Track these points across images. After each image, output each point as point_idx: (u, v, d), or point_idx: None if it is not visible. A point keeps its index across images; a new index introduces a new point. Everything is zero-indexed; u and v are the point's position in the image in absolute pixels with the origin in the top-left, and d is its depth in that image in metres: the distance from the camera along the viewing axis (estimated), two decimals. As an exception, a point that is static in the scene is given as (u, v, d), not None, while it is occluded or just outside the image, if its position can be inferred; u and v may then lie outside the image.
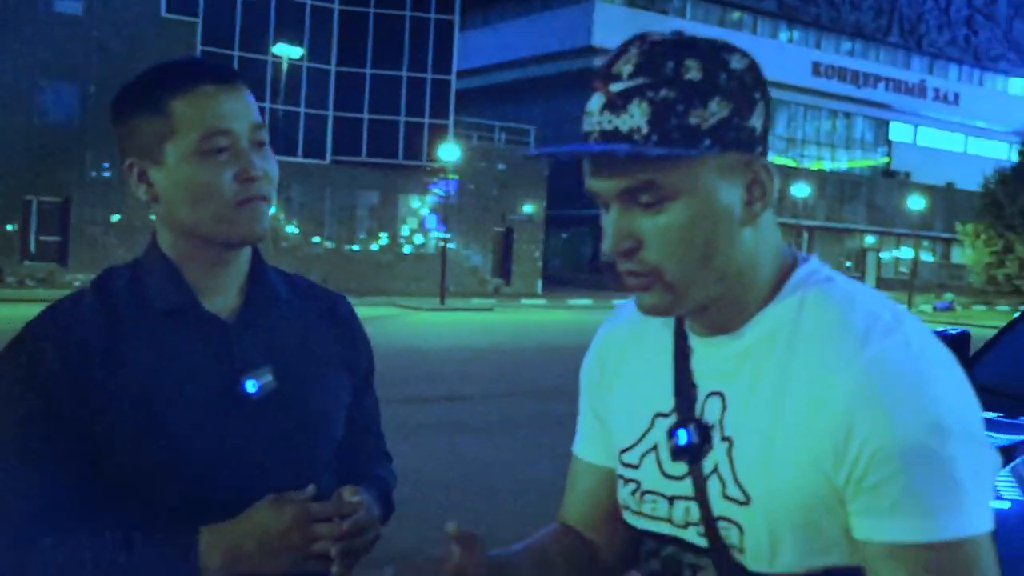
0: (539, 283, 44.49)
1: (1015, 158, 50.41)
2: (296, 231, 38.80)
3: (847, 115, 62.08)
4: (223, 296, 1.62)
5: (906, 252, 56.29)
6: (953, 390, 1.18)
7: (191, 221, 1.55)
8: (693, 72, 1.19)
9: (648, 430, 1.36)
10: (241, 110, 1.55)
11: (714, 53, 1.21)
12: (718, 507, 1.26)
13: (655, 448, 1.34)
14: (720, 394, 1.28)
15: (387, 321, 25.60)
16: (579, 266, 54.48)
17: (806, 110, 60.77)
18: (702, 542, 1.29)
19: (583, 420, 1.53)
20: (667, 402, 1.34)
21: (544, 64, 54.31)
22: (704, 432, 1.28)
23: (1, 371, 1.52)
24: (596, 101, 1.22)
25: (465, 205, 40.96)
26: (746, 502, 1.23)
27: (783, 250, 1.31)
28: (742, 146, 1.22)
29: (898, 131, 63.95)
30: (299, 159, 38.10)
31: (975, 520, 1.16)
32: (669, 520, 1.33)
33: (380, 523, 1.61)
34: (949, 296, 48.29)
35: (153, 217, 1.64)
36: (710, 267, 1.23)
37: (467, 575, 1.26)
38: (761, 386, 1.24)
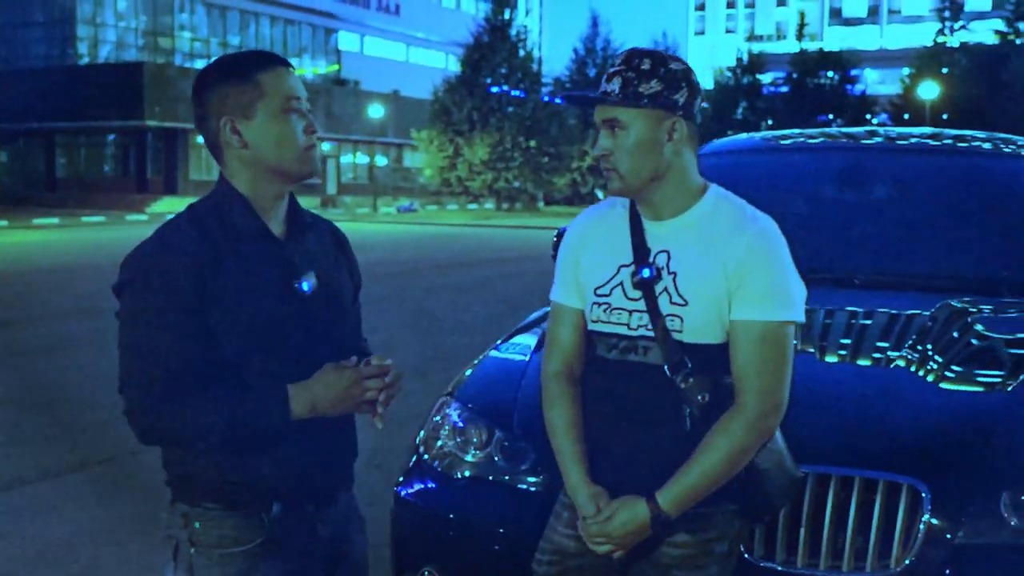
0: (-6, 204, 41.07)
1: (453, 67, 54.37)
2: None
3: (293, 23, 62.92)
4: (276, 221, 2.24)
5: (362, 158, 58.86)
6: (788, 253, 2.29)
7: (275, 160, 2.16)
8: (646, 65, 2.27)
9: (615, 274, 2.34)
10: (300, 86, 2.21)
11: (663, 59, 2.28)
12: (667, 309, 2.26)
13: (621, 284, 2.33)
14: (666, 251, 2.30)
15: None
16: (33, 184, 50.82)
17: (256, 17, 60.83)
18: (650, 334, 2.27)
19: (563, 279, 2.46)
20: (628, 257, 2.33)
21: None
22: (658, 270, 2.29)
23: (140, 281, 2.08)
24: (604, 79, 2.32)
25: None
26: (685, 304, 2.26)
27: (700, 178, 2.38)
28: (667, 108, 2.27)
29: (345, 40, 66.14)
30: None
31: (793, 314, 2.26)
32: (627, 325, 2.31)
33: None
34: (408, 200, 51.70)
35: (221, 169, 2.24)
36: (643, 168, 2.27)
37: None
38: (695, 244, 2.28)
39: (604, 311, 2.34)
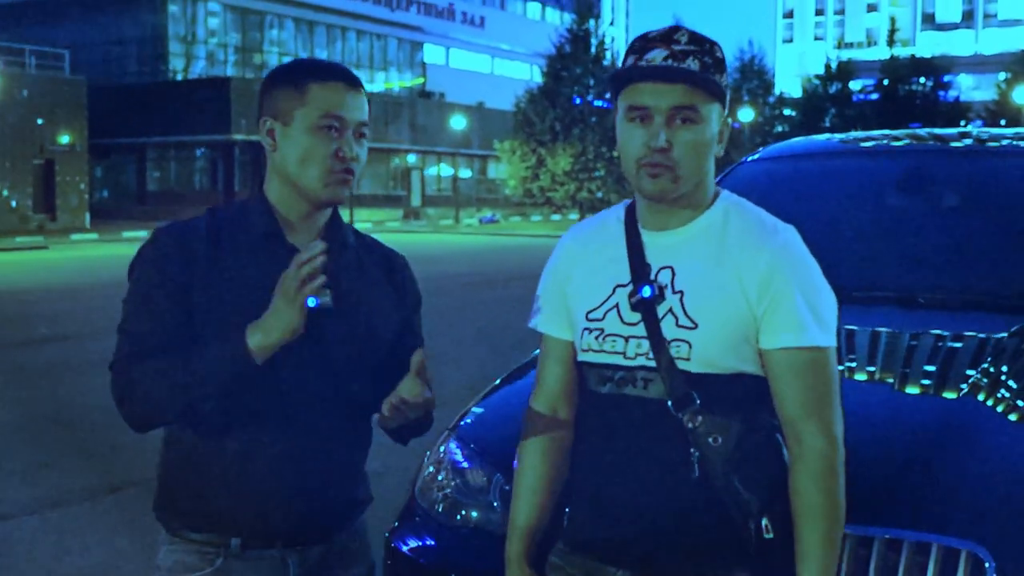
0: (87, 216, 42.07)
1: (538, 78, 54.28)
2: None
3: (380, 37, 63.60)
4: (305, 235, 2.12)
5: (446, 170, 59.12)
6: (818, 267, 1.99)
7: (295, 173, 2.07)
8: (718, 54, 1.98)
9: (610, 296, 2.03)
10: (356, 108, 2.09)
11: (720, 47, 2.01)
12: (672, 333, 1.95)
13: (616, 306, 2.02)
14: (670, 267, 2.00)
15: (-70, 267, 23.27)
16: (125, 197, 52.05)
17: (343, 32, 61.57)
18: (651, 363, 1.95)
19: (547, 306, 2.16)
20: (625, 276, 2.02)
21: (70, -18, 50.78)
22: (661, 289, 1.98)
23: (142, 257, 2.08)
24: (657, 53, 1.95)
25: (-4, 136, 37.65)
26: (695, 327, 1.94)
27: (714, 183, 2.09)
28: (725, 105, 2.02)
29: (431, 53, 66.62)
30: None
31: (830, 338, 1.95)
32: (623, 353, 1.99)
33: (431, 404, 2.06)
34: (491, 212, 51.72)
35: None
36: (699, 173, 1.98)
37: None
38: (705, 257, 1.98)
39: (597, 338, 2.02)
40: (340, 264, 2.10)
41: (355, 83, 2.10)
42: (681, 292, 1.96)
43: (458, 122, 53.42)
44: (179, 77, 52.69)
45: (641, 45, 1.96)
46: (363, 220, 49.13)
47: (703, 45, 1.95)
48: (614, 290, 2.02)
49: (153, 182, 52.65)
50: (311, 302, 1.93)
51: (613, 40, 55.43)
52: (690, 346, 1.92)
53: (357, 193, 52.11)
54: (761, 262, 1.93)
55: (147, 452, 6.55)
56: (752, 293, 1.92)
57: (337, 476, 2.14)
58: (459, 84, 64.94)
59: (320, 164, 2.04)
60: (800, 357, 1.91)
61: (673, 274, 1.98)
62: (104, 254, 27.87)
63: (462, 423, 3.03)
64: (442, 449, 2.93)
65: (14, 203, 38.96)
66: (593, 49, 51.17)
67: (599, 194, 49.26)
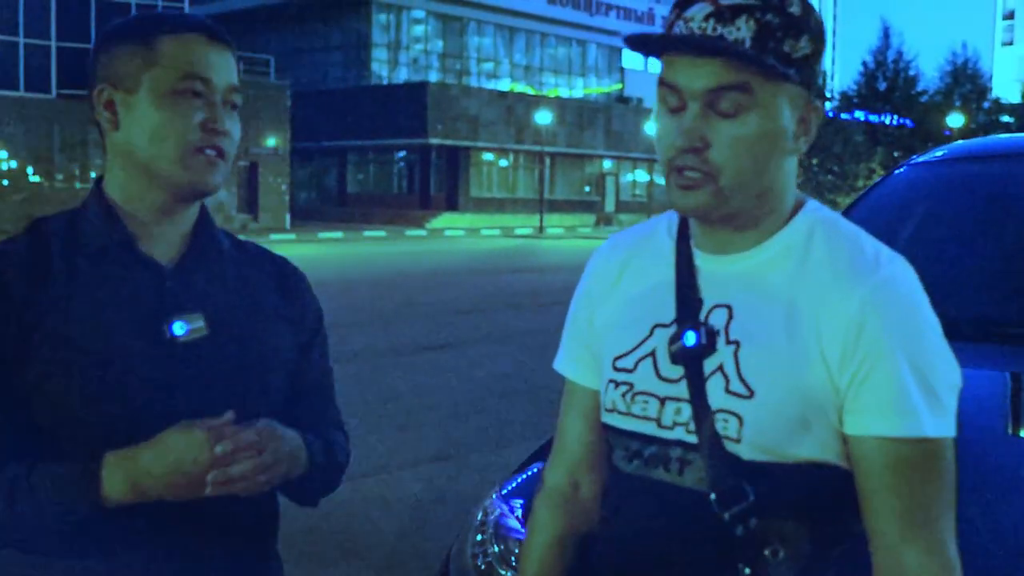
0: (287, 217, 43.60)
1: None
2: (20, 168, 36.27)
3: (581, 43, 63.54)
4: (165, 243, 1.64)
5: (642, 175, 58.55)
6: (935, 318, 1.41)
7: (147, 156, 1.58)
8: (795, 7, 1.38)
9: (647, 338, 1.49)
10: (224, 67, 1.61)
11: (810, 3, 1.40)
12: (718, 401, 1.40)
13: (652, 353, 1.48)
14: (726, 306, 1.44)
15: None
16: (326, 199, 53.79)
17: (542, 38, 61.79)
18: (691, 439, 1.42)
19: (572, 343, 1.66)
20: (668, 314, 1.48)
21: (280, -9, 52.80)
22: (711, 336, 1.42)
23: None
24: (700, 9, 1.37)
25: (206, 139, 39.37)
26: (749, 395, 1.38)
27: (796, 188, 1.50)
28: (809, 84, 1.42)
29: (630, 58, 66.10)
30: (17, 92, 35.54)
31: (946, 424, 1.36)
32: (656, 420, 1.45)
33: (314, 467, 1.65)
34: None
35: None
36: (758, 180, 1.41)
37: None
38: (773, 296, 1.42)
39: (624, 395, 1.50)
40: (215, 278, 1.66)
41: (219, 36, 1.62)
42: (736, 343, 1.41)
43: (652, 128, 52.69)
44: (383, 83, 53.95)
45: None
46: (554, 225, 49.27)
47: None
48: (652, 331, 1.49)
49: (353, 184, 54.11)
50: (178, 329, 1.55)
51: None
52: (741, 422, 1.38)
53: (550, 197, 52.59)
54: (850, 308, 1.36)
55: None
56: (834, 353, 1.36)
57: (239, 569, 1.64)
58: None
59: (180, 140, 1.56)
60: (901, 451, 1.35)
61: (730, 316, 1.43)
62: (296, 253, 28.50)
63: (506, 484, 2.52)
64: (482, 513, 2.46)
65: (221, 203, 40.72)
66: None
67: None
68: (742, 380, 1.39)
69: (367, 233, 40.47)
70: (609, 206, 56.20)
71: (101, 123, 1.61)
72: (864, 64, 55.78)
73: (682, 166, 1.39)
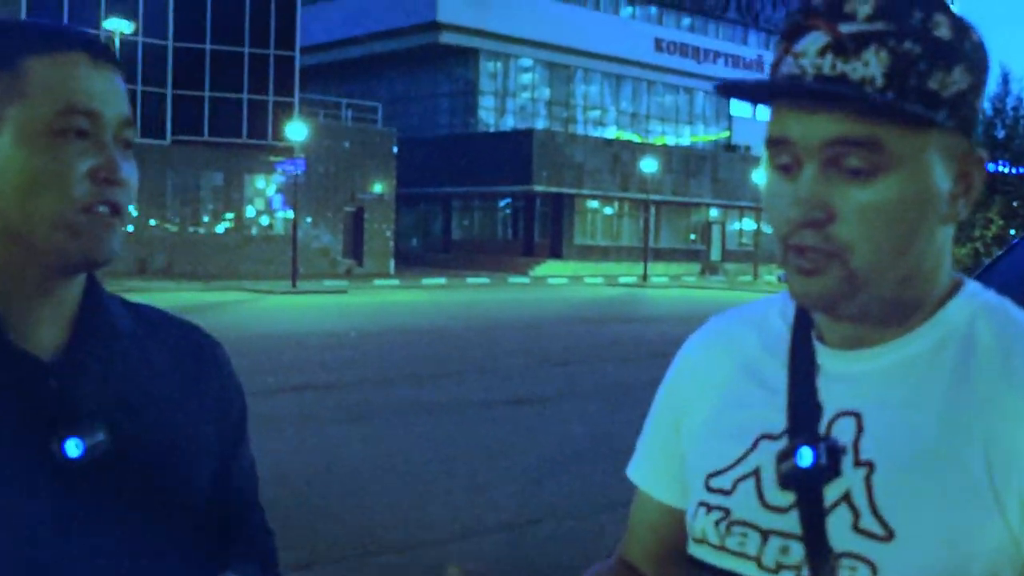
0: (391, 263, 44.01)
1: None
2: (135, 214, 37.32)
3: (688, 90, 63.29)
4: (45, 329, 1.24)
5: (749, 224, 57.76)
6: None
7: (18, 219, 1.18)
8: (943, 29, 1.04)
9: (749, 452, 1.16)
10: (113, 96, 1.23)
11: (964, 23, 1.07)
12: (843, 542, 1.06)
13: (756, 473, 1.15)
14: (855, 414, 1.10)
15: (237, 306, 24.76)
16: (430, 245, 54.22)
17: (649, 85, 61.69)
18: None
19: (652, 446, 1.34)
20: (779, 423, 1.15)
21: (389, 40, 53.68)
22: (834, 454, 1.08)
23: None
24: (813, 40, 1.05)
25: (313, 184, 40.13)
26: (887, 537, 1.05)
27: (952, 265, 1.16)
28: (967, 129, 1.07)
29: (738, 106, 65.57)
30: (137, 140, 36.57)
31: None
32: (757, 560, 1.13)
33: None
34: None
35: None
36: (902, 260, 1.07)
37: None
38: (921, 404, 1.08)
39: (718, 524, 1.17)
40: (112, 368, 1.28)
41: (105, 54, 1.24)
42: (869, 465, 1.08)
43: (759, 176, 52.11)
44: (490, 130, 54.36)
45: (794, 25, 1.08)
46: (659, 274, 48.78)
47: (904, 18, 1.03)
48: (757, 443, 1.17)
49: (457, 230, 54.45)
50: (72, 449, 1.17)
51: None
52: (875, 572, 1.05)
53: (654, 246, 52.26)
54: None
55: (350, 530, 6.30)
56: (1011, 488, 1.03)
57: None
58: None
59: (62, 196, 1.18)
60: None
61: (860, 428, 1.10)
62: (398, 299, 28.78)
63: (624, 544, 2.19)
64: None
65: (326, 247, 41.30)
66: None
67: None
68: (877, 516, 1.06)
69: (470, 280, 40.56)
70: (715, 255, 55.55)
71: None
72: (982, 112, 54.37)
73: (800, 245, 1.06)
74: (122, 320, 1.33)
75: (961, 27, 1.06)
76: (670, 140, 60.96)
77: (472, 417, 10.58)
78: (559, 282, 43.00)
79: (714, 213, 56.49)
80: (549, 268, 47.58)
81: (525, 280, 43.16)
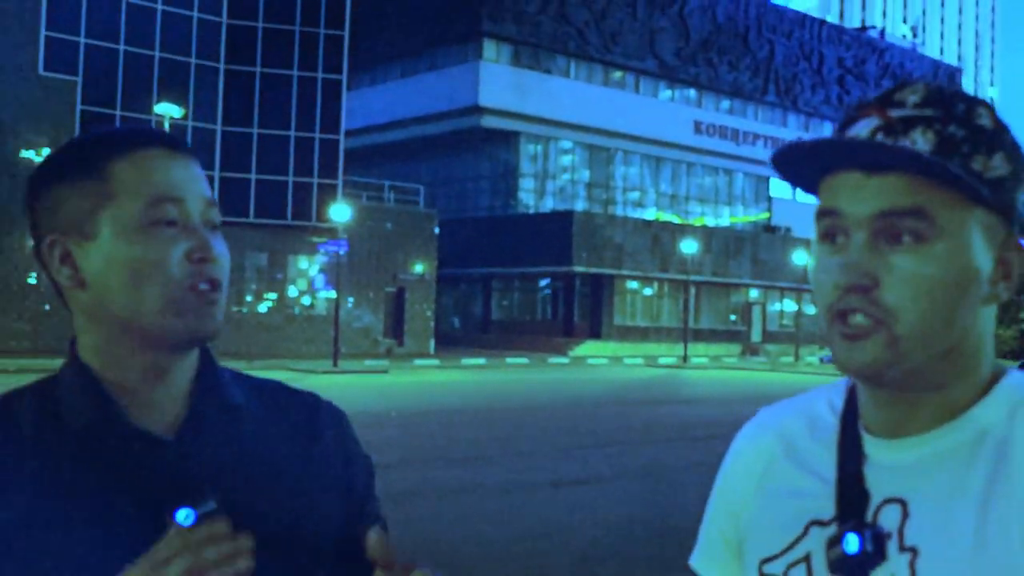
0: (431, 343, 44.16)
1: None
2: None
3: (728, 172, 63.60)
4: (161, 408, 1.32)
5: (789, 305, 57.50)
6: None
7: (128, 311, 1.27)
8: (985, 119, 1.13)
9: (800, 538, 1.21)
10: (193, 182, 1.32)
11: (1002, 119, 1.16)
12: None
13: (807, 558, 1.20)
14: (901, 501, 1.15)
15: (280, 386, 24.93)
16: (470, 325, 54.37)
17: (688, 167, 62.04)
18: None
19: (710, 536, 1.38)
20: (828, 510, 1.20)
21: (432, 123, 54.54)
22: (880, 541, 1.13)
23: None
24: (866, 124, 1.13)
25: (355, 265, 40.56)
26: None
27: (993, 356, 1.20)
28: (1008, 216, 1.13)
29: (777, 187, 65.67)
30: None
31: None
32: None
33: None
34: (833, 348, 49.45)
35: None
36: (944, 333, 1.11)
37: None
38: (962, 492, 1.12)
39: None
40: (228, 440, 1.35)
41: (180, 146, 1.35)
42: (913, 551, 1.14)
43: (802, 257, 52.01)
44: (530, 211, 54.78)
45: (848, 117, 1.17)
46: (699, 354, 48.60)
47: (949, 107, 1.12)
48: (807, 530, 1.22)
49: (497, 311, 54.63)
50: (184, 518, 1.20)
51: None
52: None
53: (695, 326, 52.12)
54: None
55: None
56: None
57: None
58: (805, 218, 63.18)
59: (165, 281, 1.27)
60: None
61: (904, 515, 1.15)
62: (439, 379, 28.85)
63: None
64: None
65: (367, 328, 41.57)
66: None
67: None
68: None
69: (510, 360, 40.57)
70: (755, 336, 55.28)
71: (60, 282, 1.30)
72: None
73: (846, 309, 1.11)
74: (236, 394, 1.40)
75: (1001, 122, 1.14)
76: (709, 221, 61.11)
77: (518, 501, 10.60)
78: (599, 363, 42.92)
79: (754, 294, 56.35)
80: (589, 348, 47.55)
81: (565, 360, 43.14)
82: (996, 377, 1.18)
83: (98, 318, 1.30)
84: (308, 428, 1.45)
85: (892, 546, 1.14)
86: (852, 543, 1.14)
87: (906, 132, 1.11)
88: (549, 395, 24.58)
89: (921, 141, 1.10)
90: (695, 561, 1.41)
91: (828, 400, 1.29)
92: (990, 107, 1.15)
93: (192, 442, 1.32)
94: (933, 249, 1.09)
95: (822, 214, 1.14)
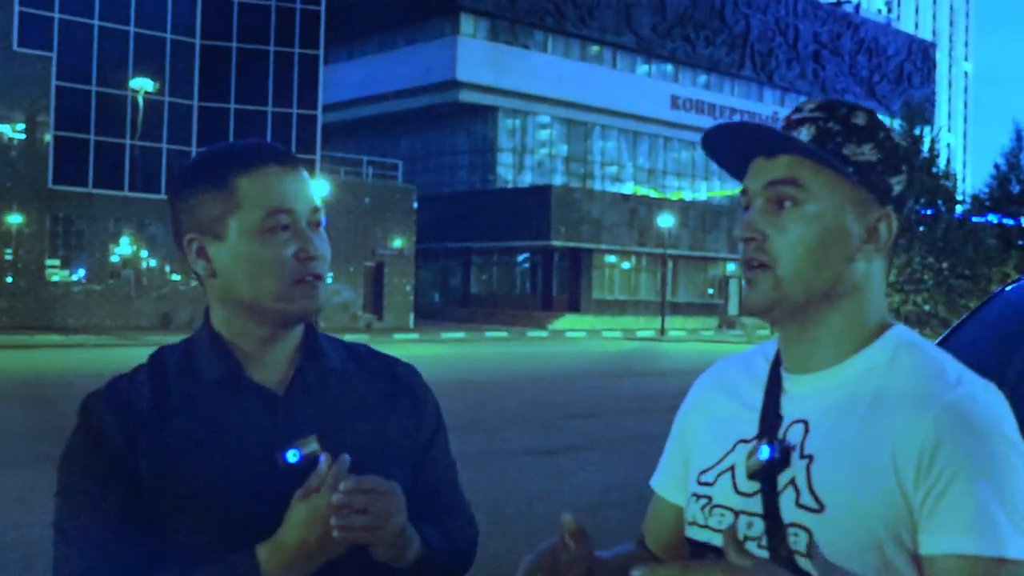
0: (411, 317, 44.31)
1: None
2: (159, 267, 37.79)
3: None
4: (273, 368, 1.69)
5: (766, 278, 57.91)
6: (1019, 437, 1.38)
7: (250, 296, 1.63)
8: (860, 119, 1.48)
9: (728, 453, 1.54)
10: (302, 192, 1.66)
11: (881, 122, 1.50)
12: (789, 515, 1.41)
13: (732, 468, 1.52)
14: (803, 421, 1.47)
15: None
16: (449, 299, 54.51)
17: (666, 141, 62.20)
18: (763, 554, 1.42)
19: (666, 460, 1.74)
20: (751, 430, 1.52)
21: (409, 98, 54.44)
22: (785, 451, 1.44)
23: (75, 438, 1.62)
24: (776, 126, 1.50)
25: (334, 240, 40.06)
26: (819, 510, 1.39)
27: (885, 312, 1.53)
28: (876, 192, 1.47)
29: (754, 161, 66.00)
30: (161, 196, 37.15)
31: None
32: None
33: (431, 552, 1.67)
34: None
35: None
36: (817, 275, 1.45)
37: (578, 565, 1.50)
38: (850, 413, 1.43)
39: (703, 508, 1.54)
40: (326, 394, 1.70)
41: (290, 161, 1.67)
42: (810, 457, 1.43)
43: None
44: (508, 186, 54.86)
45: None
46: (676, 328, 48.93)
47: (833, 111, 1.48)
48: (735, 446, 1.54)
49: (476, 285, 54.81)
50: (292, 456, 1.55)
51: (949, 146, 52.58)
52: (810, 536, 1.37)
53: (672, 300, 52.44)
54: (925, 425, 1.35)
55: None
56: (908, 471, 1.35)
57: None
58: (782, 192, 63.88)
59: (278, 275, 1.61)
60: (976, 572, 1.29)
61: (806, 431, 1.45)
62: (418, 354, 28.97)
63: None
64: None
65: (347, 302, 41.66)
66: (925, 154, 48.88)
67: (926, 307, 46.51)
68: (813, 494, 1.40)
69: (489, 334, 40.76)
70: (732, 309, 55.58)
71: (198, 272, 1.67)
72: (996, 167, 54.60)
73: (745, 259, 1.48)
74: (333, 356, 1.75)
75: (876, 122, 1.49)
76: (687, 195, 61.34)
77: (497, 468, 10.80)
78: (577, 336, 43.18)
79: (731, 268, 56.65)
80: (567, 322, 47.80)
81: (544, 334, 43.37)
82: (884, 328, 1.51)
83: (226, 300, 1.66)
84: (388, 383, 1.79)
85: (795, 455, 1.45)
86: (764, 452, 1.45)
87: (796, 128, 1.48)
88: (528, 368, 24.80)
89: (805, 133, 1.47)
90: (654, 482, 1.76)
91: (764, 351, 1.63)
92: (870, 112, 1.50)
93: (299, 396, 1.68)
94: (805, 210, 1.44)
95: (742, 192, 1.52)
